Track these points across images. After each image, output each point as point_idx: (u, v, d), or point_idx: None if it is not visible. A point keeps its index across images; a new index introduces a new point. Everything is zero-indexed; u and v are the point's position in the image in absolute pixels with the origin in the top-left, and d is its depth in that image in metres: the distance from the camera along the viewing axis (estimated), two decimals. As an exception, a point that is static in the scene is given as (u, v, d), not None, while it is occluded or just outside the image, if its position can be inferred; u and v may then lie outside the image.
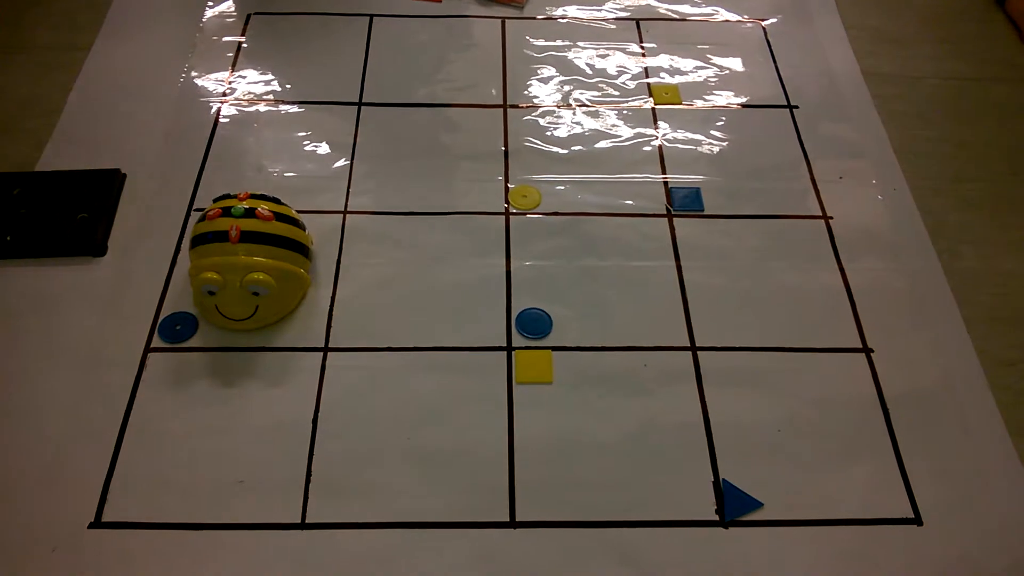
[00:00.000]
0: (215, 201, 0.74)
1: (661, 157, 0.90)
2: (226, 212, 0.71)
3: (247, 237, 0.71)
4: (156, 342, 0.74)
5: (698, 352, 0.75)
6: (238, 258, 0.70)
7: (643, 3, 1.07)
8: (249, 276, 0.70)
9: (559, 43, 1.02)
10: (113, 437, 0.68)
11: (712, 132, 0.93)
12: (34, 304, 0.76)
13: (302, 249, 0.75)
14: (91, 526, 0.64)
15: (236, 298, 0.71)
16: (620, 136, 0.92)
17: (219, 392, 0.71)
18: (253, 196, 0.74)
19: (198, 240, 0.72)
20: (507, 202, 0.85)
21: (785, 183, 0.89)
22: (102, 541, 0.63)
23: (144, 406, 0.70)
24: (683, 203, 0.86)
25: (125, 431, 0.69)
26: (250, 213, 0.72)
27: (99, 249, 0.79)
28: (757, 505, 0.66)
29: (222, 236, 0.70)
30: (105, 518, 0.64)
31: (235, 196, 0.74)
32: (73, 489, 0.66)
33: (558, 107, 0.95)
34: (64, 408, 0.70)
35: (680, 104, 0.96)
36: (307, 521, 0.65)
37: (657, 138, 0.92)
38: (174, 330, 0.74)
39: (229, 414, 0.70)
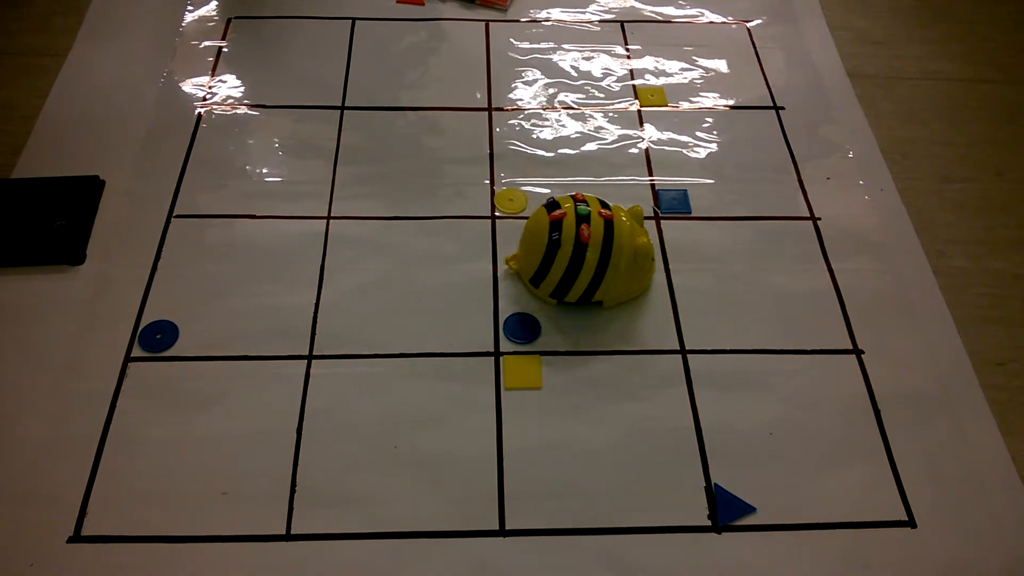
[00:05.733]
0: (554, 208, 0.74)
1: (648, 159, 0.90)
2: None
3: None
4: (136, 351, 0.72)
5: (688, 355, 0.74)
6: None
7: (627, 5, 1.07)
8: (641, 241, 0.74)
9: (543, 45, 1.01)
10: (93, 449, 0.67)
11: (698, 134, 0.92)
12: (11, 313, 0.74)
13: None
14: (70, 540, 0.62)
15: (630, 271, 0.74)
16: (606, 139, 0.91)
17: (201, 402, 0.70)
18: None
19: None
20: (493, 205, 0.84)
21: (773, 185, 0.88)
22: (82, 556, 0.62)
23: (125, 417, 0.69)
24: (671, 205, 0.85)
25: (105, 442, 0.67)
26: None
27: (77, 257, 0.78)
28: (750, 510, 0.66)
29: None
30: (85, 532, 0.63)
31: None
32: (51, 502, 0.64)
33: (543, 110, 0.94)
34: (42, 419, 0.68)
35: (666, 106, 0.95)
36: (292, 532, 0.63)
37: (643, 140, 0.91)
38: (155, 339, 0.73)
39: (211, 424, 0.69)
